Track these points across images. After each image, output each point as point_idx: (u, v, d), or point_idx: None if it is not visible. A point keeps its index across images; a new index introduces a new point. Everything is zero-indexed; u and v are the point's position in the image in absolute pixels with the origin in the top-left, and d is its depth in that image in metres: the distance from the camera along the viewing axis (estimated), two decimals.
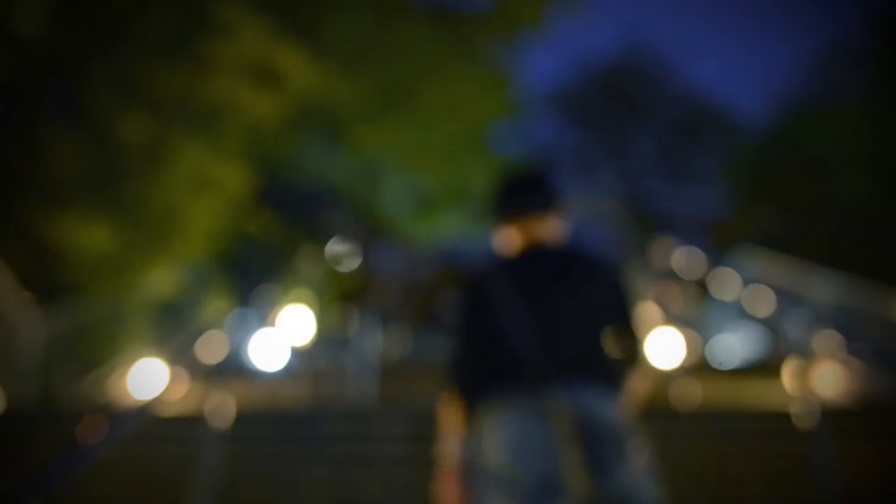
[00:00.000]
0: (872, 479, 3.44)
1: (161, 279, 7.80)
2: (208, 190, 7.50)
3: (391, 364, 9.75)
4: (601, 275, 2.07)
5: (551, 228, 2.14)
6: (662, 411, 4.81)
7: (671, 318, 6.76)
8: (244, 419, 4.20)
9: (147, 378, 7.29)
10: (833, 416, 3.45)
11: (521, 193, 2.19)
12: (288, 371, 8.26)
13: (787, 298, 8.33)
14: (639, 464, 1.77)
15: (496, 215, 2.20)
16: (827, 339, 2.94)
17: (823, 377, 7.31)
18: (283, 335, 11.13)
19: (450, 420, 1.97)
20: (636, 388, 2.01)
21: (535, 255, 2.08)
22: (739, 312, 10.55)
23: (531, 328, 1.91)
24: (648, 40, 21.55)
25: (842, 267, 8.95)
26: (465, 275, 2.18)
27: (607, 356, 1.97)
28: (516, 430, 1.80)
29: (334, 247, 13.31)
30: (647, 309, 14.62)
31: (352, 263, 14.12)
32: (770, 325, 9.18)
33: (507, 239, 2.15)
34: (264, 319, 10.82)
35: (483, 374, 1.93)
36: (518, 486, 1.75)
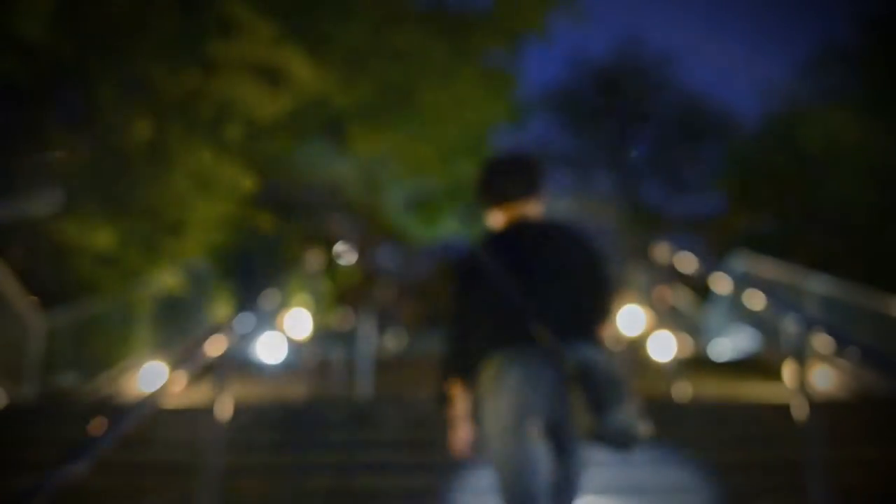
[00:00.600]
0: (865, 470, 3.50)
1: (166, 279, 7.88)
2: (213, 191, 7.57)
3: (388, 359, 9.82)
4: (578, 242, 2.37)
5: (534, 209, 2.40)
6: (663, 406, 4.89)
7: (668, 319, 6.82)
8: (245, 413, 4.26)
9: (150, 375, 7.35)
10: (826, 409, 3.52)
11: (505, 181, 2.42)
12: (288, 367, 8.33)
13: (781, 298, 8.38)
14: (632, 405, 2.04)
15: (483, 200, 2.46)
16: (820, 337, 3.02)
17: (817, 374, 7.39)
18: (284, 334, 11.23)
19: (454, 394, 2.27)
20: (606, 334, 2.33)
21: (520, 228, 2.35)
22: (735, 312, 10.61)
23: (523, 291, 2.17)
24: (646, 41, 21.73)
25: (836, 265, 9.04)
26: (460, 251, 2.38)
27: (589, 313, 2.28)
28: (523, 373, 2.11)
29: (337, 247, 13.53)
30: (643, 310, 14.70)
31: (350, 258, 14.34)
32: (765, 324, 9.26)
33: (495, 219, 2.43)
34: (267, 320, 10.92)
35: (484, 334, 2.21)
36: (520, 424, 2.08)
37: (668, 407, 4.89)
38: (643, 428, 2.03)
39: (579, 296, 2.25)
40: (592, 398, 2.01)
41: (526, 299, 2.16)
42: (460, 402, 2.27)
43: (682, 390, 5.32)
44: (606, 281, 2.35)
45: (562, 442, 2.14)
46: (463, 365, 2.25)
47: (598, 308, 2.31)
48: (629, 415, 2.02)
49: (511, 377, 2.12)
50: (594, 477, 2.29)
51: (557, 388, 2.07)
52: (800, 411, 2.97)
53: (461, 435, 2.27)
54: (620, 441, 2.01)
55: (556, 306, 2.18)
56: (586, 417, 2.01)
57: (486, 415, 2.17)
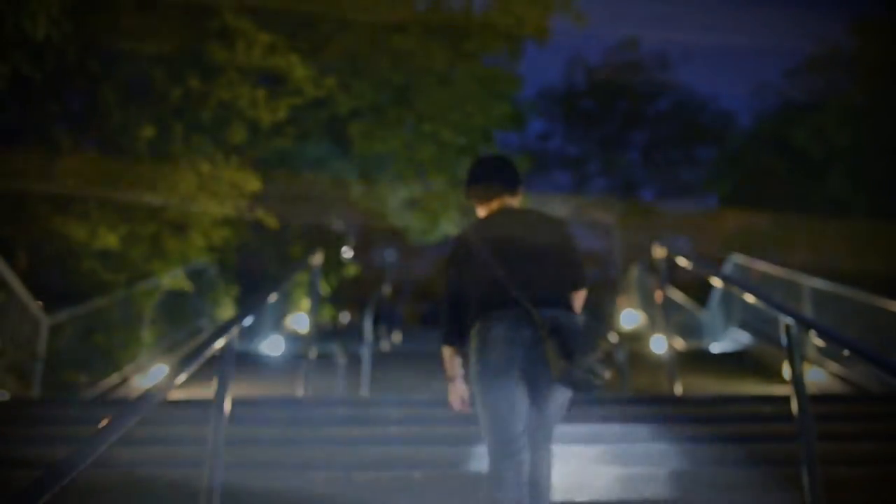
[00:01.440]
0: (857, 464, 3.57)
1: (172, 280, 7.95)
2: (217, 191, 7.64)
3: (384, 355, 9.90)
4: (553, 225, 2.85)
5: (513, 202, 2.93)
6: (662, 399, 4.97)
7: (665, 317, 6.89)
8: (246, 407, 4.31)
9: (154, 373, 7.42)
10: (819, 404, 3.59)
11: (489, 182, 2.93)
12: (287, 362, 8.42)
13: (775, 297, 8.46)
14: (596, 355, 2.48)
15: (471, 196, 2.98)
16: (813, 335, 3.11)
17: (811, 370, 7.49)
18: (286, 330, 11.35)
19: (449, 358, 2.80)
20: (578, 302, 2.82)
21: (501, 214, 2.87)
22: (731, 309, 10.70)
23: (503, 265, 2.66)
24: (642, 43, 21.77)
25: (828, 262, 9.12)
26: (456, 234, 3.01)
27: (559, 282, 2.73)
28: (506, 331, 2.57)
29: (339, 247, 13.75)
30: (640, 309, 14.81)
31: (350, 258, 14.55)
32: (760, 321, 9.35)
33: (482, 210, 2.96)
34: (269, 317, 11.03)
35: (473, 301, 2.68)
36: (505, 372, 2.54)
37: (666, 400, 4.96)
38: (603, 373, 2.46)
39: (551, 268, 2.72)
40: (562, 349, 2.47)
41: (506, 272, 2.65)
42: (455, 363, 2.79)
43: (678, 384, 5.40)
44: (574, 257, 2.82)
45: (538, 387, 2.59)
46: (456, 331, 2.75)
47: (567, 278, 2.77)
48: (592, 362, 2.47)
49: (495, 334, 2.58)
50: None
51: (533, 342, 2.54)
52: (793, 405, 3.04)
53: (458, 392, 2.80)
54: (585, 383, 2.44)
55: (532, 276, 2.66)
56: (558, 364, 2.45)
57: (474, 367, 2.63)
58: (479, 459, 3.55)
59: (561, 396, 2.62)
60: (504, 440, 2.55)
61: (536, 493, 2.61)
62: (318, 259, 6.14)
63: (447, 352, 2.80)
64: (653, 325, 13.14)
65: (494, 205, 2.90)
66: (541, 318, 2.51)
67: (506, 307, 2.60)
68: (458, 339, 2.75)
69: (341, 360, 7.04)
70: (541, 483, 2.63)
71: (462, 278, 2.75)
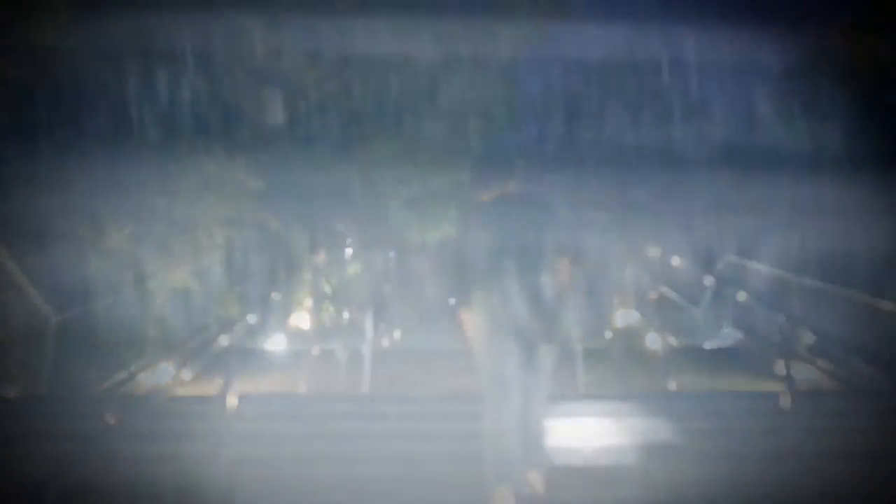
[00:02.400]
0: (847, 459, 3.64)
1: (178, 279, 8.02)
2: (221, 190, 7.71)
3: (385, 352, 9.96)
4: (546, 205, 3.36)
5: (513, 187, 3.40)
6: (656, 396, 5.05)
7: (660, 315, 6.98)
8: (249, 403, 4.39)
9: (160, 370, 7.47)
10: (811, 400, 3.67)
11: (492, 170, 3.43)
12: (290, 359, 8.49)
13: (769, 296, 8.56)
14: (570, 318, 3.06)
15: (477, 184, 3.51)
16: (805, 333, 3.21)
17: (802, 367, 7.56)
18: (288, 330, 11.42)
19: (463, 310, 3.26)
20: (563, 270, 3.23)
21: (501, 196, 3.37)
22: (722, 310, 10.77)
23: (499, 237, 3.15)
24: (639, 43, 21.73)
25: (820, 264, 9.15)
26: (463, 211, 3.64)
27: (546, 253, 3.17)
28: (495, 296, 3.09)
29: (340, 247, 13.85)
30: (634, 311, 14.88)
31: (349, 252, 14.68)
32: (751, 320, 9.41)
33: (485, 196, 3.42)
34: (273, 315, 11.08)
35: (473, 266, 3.19)
36: (497, 333, 3.07)
37: (662, 396, 5.04)
38: (577, 332, 3.08)
39: (539, 241, 3.19)
40: (543, 312, 3.03)
41: (500, 243, 3.14)
42: (463, 304, 3.24)
43: (673, 381, 5.48)
44: (562, 231, 3.25)
45: (527, 343, 3.07)
46: (467, 290, 3.24)
47: (553, 250, 3.19)
48: (568, 324, 3.05)
49: (488, 297, 3.11)
50: None
51: (520, 304, 3.04)
52: (785, 402, 3.11)
53: (465, 319, 3.27)
54: (561, 341, 3.04)
55: (522, 247, 3.13)
56: (539, 324, 3.01)
57: (474, 325, 3.18)
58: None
59: (547, 356, 3.14)
60: (499, 386, 3.05)
61: (531, 444, 3.10)
62: (320, 258, 6.22)
63: (463, 312, 3.27)
64: (647, 324, 13.19)
65: (496, 190, 3.40)
66: (526, 284, 3.05)
67: (497, 273, 3.11)
68: (467, 297, 3.24)
69: (343, 357, 7.11)
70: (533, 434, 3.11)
71: (466, 245, 3.28)
